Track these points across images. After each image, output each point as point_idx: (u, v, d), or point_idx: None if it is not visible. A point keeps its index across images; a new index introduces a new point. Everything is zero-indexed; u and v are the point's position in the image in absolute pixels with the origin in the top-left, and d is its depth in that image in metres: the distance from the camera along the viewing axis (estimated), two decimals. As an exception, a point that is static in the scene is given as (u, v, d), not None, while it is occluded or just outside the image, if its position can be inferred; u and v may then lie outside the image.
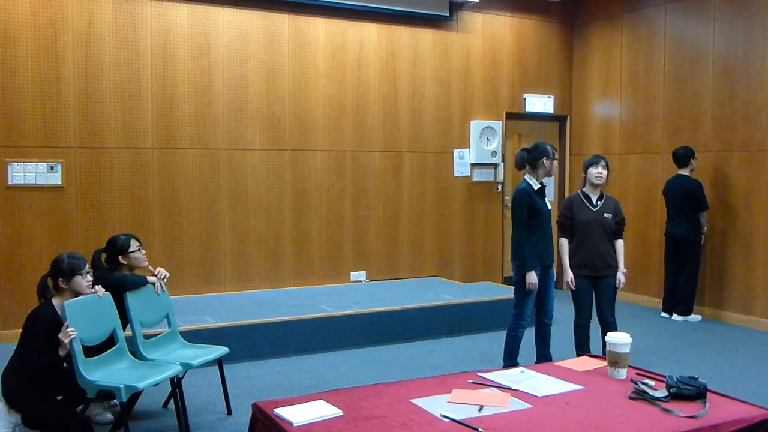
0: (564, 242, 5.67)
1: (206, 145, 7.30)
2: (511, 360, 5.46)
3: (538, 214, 5.35)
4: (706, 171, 7.67)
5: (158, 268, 4.79)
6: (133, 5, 6.90)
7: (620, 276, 5.55)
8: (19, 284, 6.47)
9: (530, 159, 5.44)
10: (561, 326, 7.11)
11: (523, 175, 5.51)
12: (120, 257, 4.60)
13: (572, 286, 5.62)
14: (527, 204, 5.31)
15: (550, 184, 9.47)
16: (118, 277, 4.53)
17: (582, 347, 5.66)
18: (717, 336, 6.98)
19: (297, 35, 7.70)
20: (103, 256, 4.64)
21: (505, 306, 7.13)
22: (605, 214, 5.53)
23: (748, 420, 3.08)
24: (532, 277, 5.29)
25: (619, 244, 5.59)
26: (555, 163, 5.47)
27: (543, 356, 5.57)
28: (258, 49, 7.50)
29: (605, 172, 5.54)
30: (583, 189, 5.64)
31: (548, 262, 5.48)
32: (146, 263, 4.73)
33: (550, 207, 5.53)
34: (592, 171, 5.55)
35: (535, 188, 5.38)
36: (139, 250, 4.65)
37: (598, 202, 5.57)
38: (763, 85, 7.18)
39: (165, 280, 4.76)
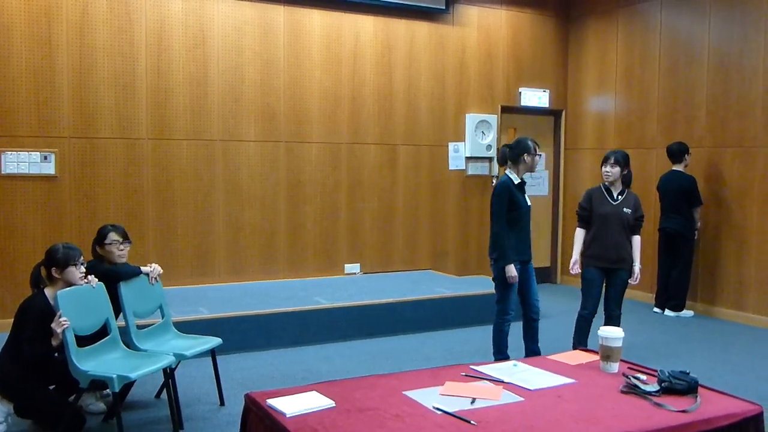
0: (579, 232, 5.74)
1: (201, 136, 7.28)
2: (500, 354, 5.47)
3: (516, 209, 5.34)
4: (700, 166, 7.69)
5: (153, 264, 4.78)
6: (128, -5, 6.88)
7: (636, 270, 5.55)
8: (12, 274, 6.45)
9: (512, 155, 5.45)
10: (556, 319, 7.15)
11: (504, 171, 5.52)
12: (97, 247, 4.59)
13: (573, 272, 5.68)
14: (507, 198, 5.31)
15: (545, 177, 9.50)
16: (111, 268, 4.53)
17: (580, 338, 5.68)
18: (709, 331, 7.01)
19: (292, 27, 7.68)
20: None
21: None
22: (625, 209, 5.55)
23: (739, 415, 3.09)
24: (511, 271, 5.28)
25: (636, 239, 5.60)
26: (537, 158, 5.45)
27: (532, 351, 5.57)
28: (253, 40, 7.48)
29: (612, 170, 5.57)
30: (605, 183, 5.67)
31: (526, 258, 5.48)
32: (123, 260, 4.61)
33: (530, 203, 5.52)
34: (602, 169, 5.64)
35: (515, 183, 5.39)
36: (113, 243, 4.55)
37: (619, 197, 5.60)
38: (757, 81, 7.20)
39: (159, 277, 4.76)
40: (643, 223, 5.70)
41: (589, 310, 5.69)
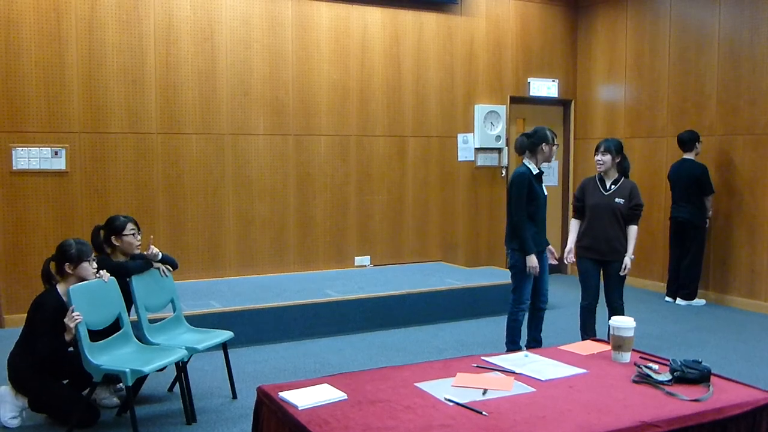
0: (573, 222, 5.72)
1: (210, 130, 7.30)
2: (513, 344, 5.48)
3: (535, 199, 5.33)
4: (711, 154, 7.64)
5: (152, 248, 4.73)
6: (135, -11, 6.89)
7: (626, 261, 5.45)
8: (24, 269, 6.49)
9: (530, 144, 5.41)
10: (564, 310, 7.13)
11: (522, 160, 5.49)
12: (113, 238, 4.57)
13: (567, 261, 5.69)
14: (526, 188, 5.29)
15: (554, 168, 9.47)
16: (120, 263, 4.54)
17: (587, 330, 5.66)
18: (721, 320, 6.99)
19: (300, 19, 7.67)
20: (102, 232, 4.60)
21: (508, 291, 7.15)
22: (616, 199, 5.45)
23: (752, 403, 3.09)
24: (533, 261, 5.28)
25: (632, 229, 5.48)
26: (555, 148, 5.44)
27: (534, 339, 5.58)
28: (261, 33, 7.47)
29: (603, 159, 5.49)
30: (599, 173, 5.62)
31: (542, 247, 5.47)
32: (138, 251, 4.65)
33: (547, 193, 5.51)
34: (594, 158, 5.58)
35: (534, 173, 5.37)
36: (133, 233, 4.57)
37: (612, 186, 5.51)
38: (767, 68, 7.15)
39: (168, 271, 4.77)
40: (642, 212, 5.54)
41: (588, 301, 5.65)
